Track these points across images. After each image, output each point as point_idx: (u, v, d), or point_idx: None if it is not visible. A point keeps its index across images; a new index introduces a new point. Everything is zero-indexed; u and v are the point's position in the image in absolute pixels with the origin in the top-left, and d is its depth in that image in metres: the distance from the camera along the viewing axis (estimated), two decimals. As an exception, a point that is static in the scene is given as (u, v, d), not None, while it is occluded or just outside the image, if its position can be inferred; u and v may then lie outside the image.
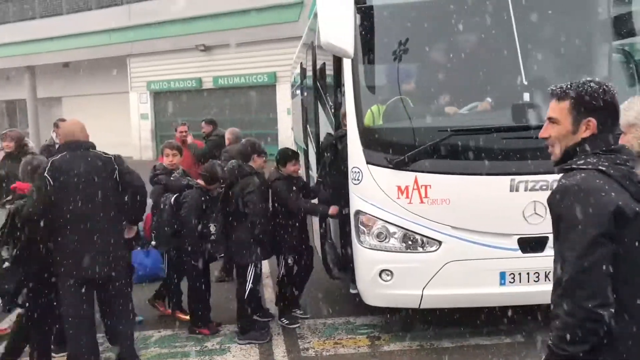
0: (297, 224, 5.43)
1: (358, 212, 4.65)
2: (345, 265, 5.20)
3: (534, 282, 4.58)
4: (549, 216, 2.14)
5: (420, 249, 4.58)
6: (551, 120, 2.19)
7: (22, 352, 4.72)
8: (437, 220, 4.52)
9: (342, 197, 5.02)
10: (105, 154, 4.31)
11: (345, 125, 5.30)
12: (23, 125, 28.61)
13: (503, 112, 4.65)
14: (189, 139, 8.02)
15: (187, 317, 5.57)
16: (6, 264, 4.19)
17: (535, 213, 4.41)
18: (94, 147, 4.32)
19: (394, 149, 4.55)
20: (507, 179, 4.44)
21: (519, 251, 4.54)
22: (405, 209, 4.52)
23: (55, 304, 4.35)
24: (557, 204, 2.06)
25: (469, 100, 4.80)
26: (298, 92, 9.60)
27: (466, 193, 4.47)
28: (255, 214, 5.05)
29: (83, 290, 4.17)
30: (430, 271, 4.56)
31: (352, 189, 4.70)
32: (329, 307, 5.83)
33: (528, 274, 4.58)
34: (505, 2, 4.56)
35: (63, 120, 7.88)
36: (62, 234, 4.12)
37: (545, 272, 4.51)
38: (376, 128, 4.68)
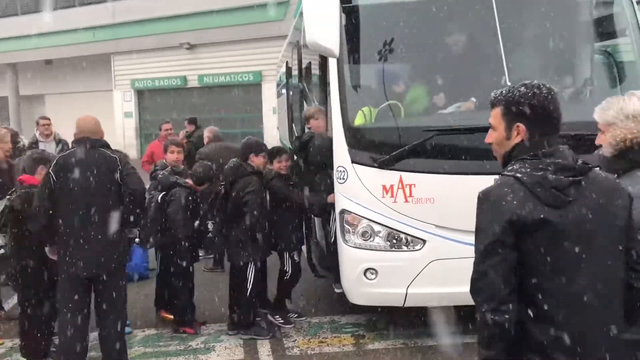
0: (297, 220, 5.46)
1: (343, 211, 4.67)
2: (330, 264, 5.21)
3: None
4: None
5: (404, 248, 4.61)
6: (491, 126, 2.20)
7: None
8: (422, 219, 4.54)
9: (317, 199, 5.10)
10: (112, 152, 4.32)
11: (310, 128, 5.33)
12: (5, 123, 28.20)
13: (486, 112, 4.66)
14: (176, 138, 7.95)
15: (172, 317, 5.55)
16: (1, 250, 4.36)
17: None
18: (104, 144, 4.31)
19: (379, 148, 4.57)
20: (490, 178, 4.45)
21: None
22: (390, 208, 4.54)
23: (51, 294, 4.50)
24: (476, 210, 2.09)
25: (453, 100, 4.83)
26: (284, 91, 9.57)
27: (450, 192, 4.48)
28: (254, 214, 5.02)
29: (78, 285, 4.23)
30: (414, 270, 4.58)
31: (337, 188, 4.72)
32: (313, 306, 5.84)
33: (511, 272, 4.62)
34: (490, 4, 4.60)
35: (45, 118, 7.79)
36: (60, 229, 4.19)
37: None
38: (361, 127, 4.70)
